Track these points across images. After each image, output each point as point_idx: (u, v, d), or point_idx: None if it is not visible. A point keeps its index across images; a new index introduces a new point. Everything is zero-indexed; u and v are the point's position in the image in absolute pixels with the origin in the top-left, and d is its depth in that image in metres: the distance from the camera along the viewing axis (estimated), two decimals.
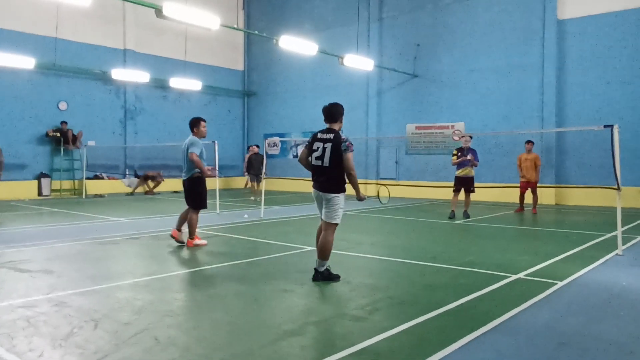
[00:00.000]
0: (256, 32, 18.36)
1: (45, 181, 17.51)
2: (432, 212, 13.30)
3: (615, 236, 7.58)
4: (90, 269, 6.30)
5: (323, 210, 5.71)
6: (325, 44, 18.05)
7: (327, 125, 5.77)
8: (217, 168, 8.64)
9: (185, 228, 7.90)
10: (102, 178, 19.44)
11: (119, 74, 17.87)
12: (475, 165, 11.76)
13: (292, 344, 3.77)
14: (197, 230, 7.93)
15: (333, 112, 5.77)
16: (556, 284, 5.53)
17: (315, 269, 5.69)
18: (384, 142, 19.87)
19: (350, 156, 5.51)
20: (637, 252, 7.60)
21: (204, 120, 7.86)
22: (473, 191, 11.81)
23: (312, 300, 5.02)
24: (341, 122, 5.85)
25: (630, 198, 13.27)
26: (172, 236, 7.93)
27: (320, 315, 4.47)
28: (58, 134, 17.80)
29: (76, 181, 18.68)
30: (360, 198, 5.73)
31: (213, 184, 12.90)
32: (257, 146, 18.14)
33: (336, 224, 5.68)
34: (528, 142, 13.32)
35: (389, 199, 7.02)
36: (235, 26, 19.74)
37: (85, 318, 4.29)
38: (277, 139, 22.26)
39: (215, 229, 9.78)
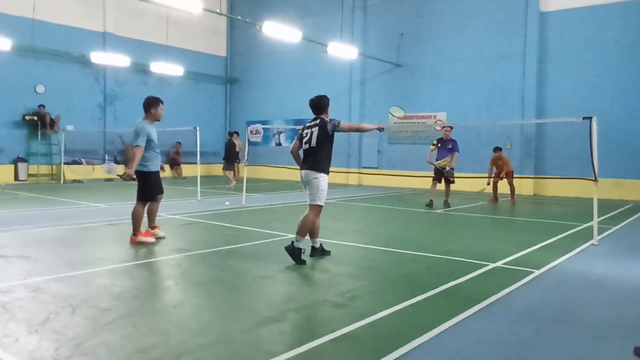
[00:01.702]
0: (239, 17, 18.16)
1: (22, 166, 17.18)
2: (413, 202, 13.39)
3: (592, 226, 7.73)
4: (68, 254, 6.21)
5: (308, 194, 5.95)
6: (309, 32, 17.92)
7: (315, 116, 6.15)
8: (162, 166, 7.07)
9: (157, 222, 7.33)
10: (81, 163, 19.13)
11: (98, 57, 17.53)
12: (453, 165, 11.70)
13: (272, 330, 3.77)
14: (144, 222, 7.07)
15: (320, 104, 6.15)
16: (533, 272, 5.63)
17: (292, 241, 5.89)
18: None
19: (345, 123, 6.06)
20: (612, 242, 7.77)
21: (162, 102, 7.06)
22: (453, 182, 11.91)
23: (292, 287, 5.02)
24: (327, 112, 6.20)
25: (606, 189, 13.52)
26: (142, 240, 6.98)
27: (300, 302, 4.48)
28: (35, 118, 17.43)
29: (54, 166, 18.37)
30: (381, 128, 6.35)
31: (194, 171, 12.80)
32: (233, 133, 18.17)
33: (319, 206, 5.90)
34: (496, 148, 13.46)
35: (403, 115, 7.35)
36: (218, 11, 19.46)
37: (62, 304, 4.23)
38: (259, 127, 22.11)
39: (196, 216, 9.71)
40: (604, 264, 6.22)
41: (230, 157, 17.35)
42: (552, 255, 6.52)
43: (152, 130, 6.90)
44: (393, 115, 7.75)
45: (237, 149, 17.98)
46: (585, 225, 9.10)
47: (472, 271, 5.62)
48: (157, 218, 7.39)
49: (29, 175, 17.38)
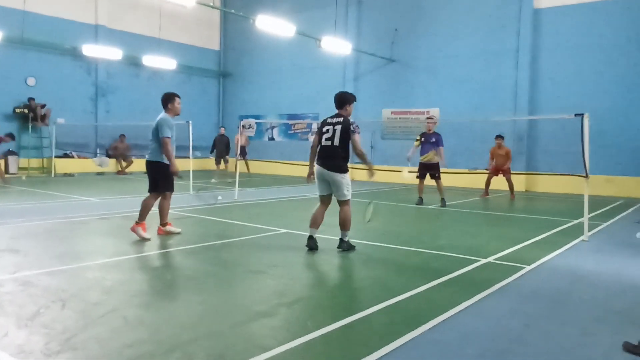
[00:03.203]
0: (232, 10, 18.06)
1: (12, 159, 17.01)
2: (405, 197, 13.42)
3: (582, 223, 7.78)
4: (58, 248, 6.18)
5: (334, 192, 6.24)
6: (303, 26, 17.85)
7: (337, 112, 6.35)
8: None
9: (168, 219, 7.27)
10: (72, 157, 19.00)
11: (90, 50, 17.37)
12: (441, 160, 11.38)
13: (263, 325, 3.77)
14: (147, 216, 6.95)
15: (343, 99, 6.36)
16: (524, 268, 5.66)
17: (340, 238, 6.30)
18: (359, 126, 19.83)
19: (357, 137, 6.13)
20: (602, 238, 7.83)
21: (179, 97, 7.23)
22: (439, 177, 11.44)
23: (283, 281, 5.02)
24: (349, 109, 6.41)
25: (597, 186, 13.60)
26: (160, 234, 7.09)
27: (291, 297, 4.49)
28: (26, 111, 17.27)
29: (45, 159, 18.22)
30: (372, 173, 6.37)
31: (187, 165, 12.76)
32: (223, 127, 18.28)
33: (349, 200, 6.29)
34: (498, 136, 13.42)
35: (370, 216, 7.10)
36: (211, 4, 19.34)
37: (52, 298, 4.20)
38: (252, 121, 22.04)
39: (189, 210, 9.68)
40: (594, 260, 6.27)
41: (219, 151, 17.52)
42: (542, 251, 6.56)
43: (173, 123, 7.03)
44: (366, 215, 7.18)
45: (244, 143, 18.18)
46: (575, 222, 9.15)
47: (463, 267, 5.65)
48: (149, 213, 7.24)
49: (20, 168, 17.22)
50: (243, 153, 18.21)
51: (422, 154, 11.54)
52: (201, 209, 9.99)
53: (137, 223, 6.83)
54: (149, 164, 7.01)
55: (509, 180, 13.44)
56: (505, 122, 16.21)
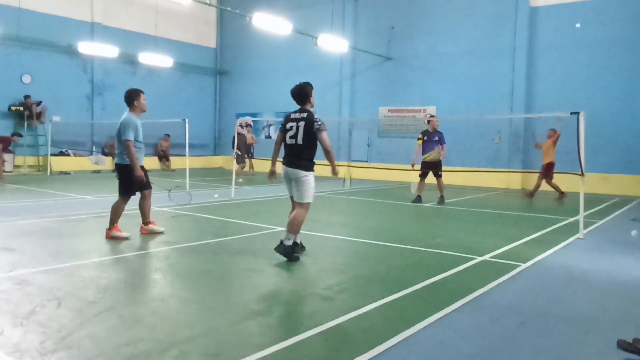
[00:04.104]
0: (229, 8, 18.02)
1: (7, 157, 16.94)
2: (401, 195, 13.43)
3: (578, 220, 7.81)
4: (54, 246, 6.16)
5: (294, 191, 5.76)
6: (299, 24, 17.83)
7: (299, 107, 5.88)
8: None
9: (151, 217, 7.16)
10: (68, 155, 18.94)
11: (86, 47, 17.29)
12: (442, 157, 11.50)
13: (259, 323, 3.77)
14: (120, 218, 6.80)
15: (303, 93, 5.84)
16: (520, 265, 5.68)
17: (281, 240, 5.71)
18: (356, 124, 19.90)
19: (325, 135, 5.65)
20: (598, 236, 7.85)
21: (143, 92, 6.93)
22: (440, 175, 11.52)
23: (280, 280, 5.03)
24: (312, 102, 5.91)
25: (593, 184, 13.66)
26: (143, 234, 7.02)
27: (288, 295, 4.49)
28: (21, 109, 17.20)
29: (40, 157, 18.16)
30: (335, 173, 5.92)
31: (183, 163, 12.73)
32: (241, 126, 17.86)
33: (309, 203, 5.75)
34: (551, 130, 13.05)
35: (349, 182, 6.94)
36: (208, 1, 19.29)
37: (48, 296, 4.20)
38: (249, 119, 22.02)
39: (185, 209, 9.67)
40: (590, 258, 6.29)
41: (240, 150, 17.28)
42: (538, 249, 6.58)
43: (138, 122, 6.76)
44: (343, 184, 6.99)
45: (250, 142, 18.10)
46: (571, 220, 9.18)
47: (459, 265, 5.66)
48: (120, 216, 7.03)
49: (15, 166, 17.16)
50: (249, 152, 18.19)
51: (424, 152, 11.50)
52: (198, 207, 9.98)
53: (108, 229, 6.66)
54: (115, 166, 6.82)
55: (540, 179, 13.14)
56: (501, 120, 16.25)
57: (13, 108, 17.13)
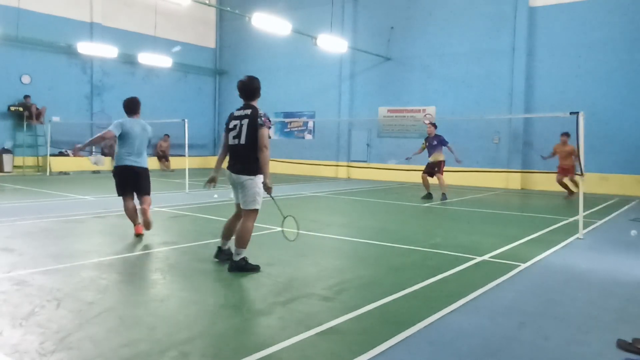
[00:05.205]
0: (228, 8, 18.02)
1: (7, 157, 16.94)
2: (401, 195, 13.44)
3: (577, 220, 7.81)
4: (54, 247, 6.16)
5: (240, 197, 5.25)
6: (299, 24, 17.83)
7: (244, 103, 5.34)
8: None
9: (150, 217, 7.05)
10: (67, 155, 18.92)
11: (85, 47, 17.29)
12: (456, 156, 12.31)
13: (259, 324, 3.77)
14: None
15: (251, 89, 5.35)
16: (519, 265, 5.68)
17: (231, 259, 5.21)
18: (355, 125, 19.89)
19: (265, 132, 5.10)
20: (597, 236, 7.86)
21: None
22: (439, 171, 12.28)
23: (279, 280, 5.02)
24: (259, 97, 5.45)
25: (592, 184, 13.66)
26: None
27: (287, 295, 4.48)
28: (21, 109, 17.19)
29: (40, 158, 18.15)
30: (266, 184, 5.15)
31: (182, 163, 12.72)
32: None
33: (256, 210, 5.22)
34: (563, 134, 13.05)
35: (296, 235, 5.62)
36: (207, 2, 19.29)
37: (47, 297, 4.19)
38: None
39: (184, 209, 9.66)
40: (589, 258, 6.29)
41: None
42: (538, 249, 6.58)
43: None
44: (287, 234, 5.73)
45: None
46: (571, 219, 9.19)
47: (459, 265, 5.66)
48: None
49: (15, 166, 17.15)
50: None
51: (429, 155, 12.54)
52: (197, 207, 9.97)
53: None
54: (141, 170, 6.93)
55: (572, 180, 13.02)
56: (501, 120, 16.26)
57: (12, 108, 17.12)
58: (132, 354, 3.15)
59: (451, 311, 4.08)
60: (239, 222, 5.29)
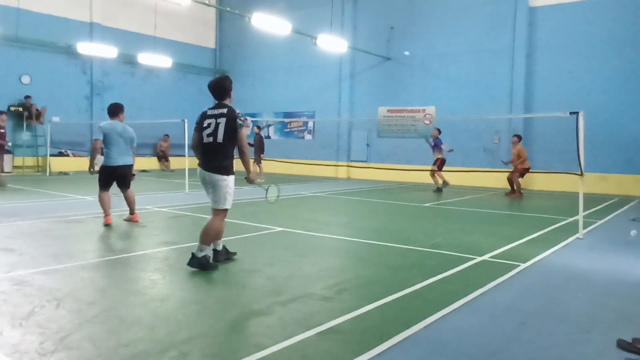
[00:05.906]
0: (228, 8, 18.01)
1: (7, 157, 16.89)
2: (401, 195, 13.44)
3: (577, 220, 7.81)
4: (53, 247, 6.15)
5: (210, 196, 5.29)
6: (298, 24, 17.83)
7: (217, 102, 5.36)
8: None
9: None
10: (67, 155, 18.92)
11: (85, 48, 17.30)
12: (445, 151, 14.29)
13: (258, 323, 3.77)
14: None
15: (223, 88, 5.36)
16: (519, 265, 5.68)
17: (192, 253, 5.23)
18: (355, 125, 19.90)
19: (244, 133, 5.18)
20: (597, 236, 7.85)
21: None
22: (435, 163, 14.14)
23: (279, 280, 5.02)
24: (231, 97, 5.46)
25: (592, 184, 13.66)
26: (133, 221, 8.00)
27: (287, 295, 4.48)
28: (21, 109, 17.19)
29: (40, 158, 18.15)
30: (250, 179, 5.40)
31: (182, 163, 12.72)
32: (258, 127, 17.81)
33: (225, 210, 5.28)
34: (514, 135, 13.99)
35: (276, 198, 6.21)
36: (207, 2, 19.29)
37: (47, 297, 4.19)
38: (248, 119, 21.97)
39: (184, 209, 9.66)
40: (589, 258, 6.29)
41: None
42: (538, 249, 6.58)
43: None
44: (268, 197, 6.23)
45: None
46: (570, 219, 9.19)
47: (459, 264, 5.66)
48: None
49: (14, 167, 17.15)
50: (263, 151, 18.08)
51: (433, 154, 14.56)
52: (197, 207, 9.96)
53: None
54: (127, 168, 7.87)
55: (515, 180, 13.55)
56: (500, 120, 16.26)
57: (12, 108, 17.12)
58: (132, 354, 3.15)
59: (451, 311, 4.08)
60: (209, 221, 5.35)
